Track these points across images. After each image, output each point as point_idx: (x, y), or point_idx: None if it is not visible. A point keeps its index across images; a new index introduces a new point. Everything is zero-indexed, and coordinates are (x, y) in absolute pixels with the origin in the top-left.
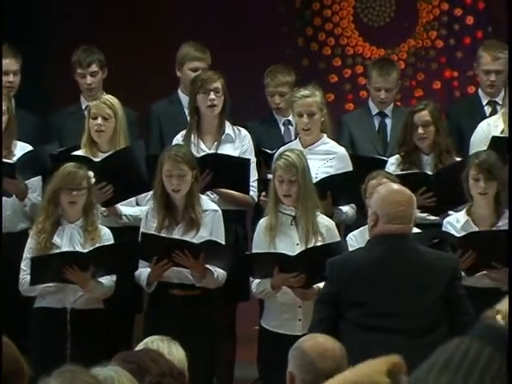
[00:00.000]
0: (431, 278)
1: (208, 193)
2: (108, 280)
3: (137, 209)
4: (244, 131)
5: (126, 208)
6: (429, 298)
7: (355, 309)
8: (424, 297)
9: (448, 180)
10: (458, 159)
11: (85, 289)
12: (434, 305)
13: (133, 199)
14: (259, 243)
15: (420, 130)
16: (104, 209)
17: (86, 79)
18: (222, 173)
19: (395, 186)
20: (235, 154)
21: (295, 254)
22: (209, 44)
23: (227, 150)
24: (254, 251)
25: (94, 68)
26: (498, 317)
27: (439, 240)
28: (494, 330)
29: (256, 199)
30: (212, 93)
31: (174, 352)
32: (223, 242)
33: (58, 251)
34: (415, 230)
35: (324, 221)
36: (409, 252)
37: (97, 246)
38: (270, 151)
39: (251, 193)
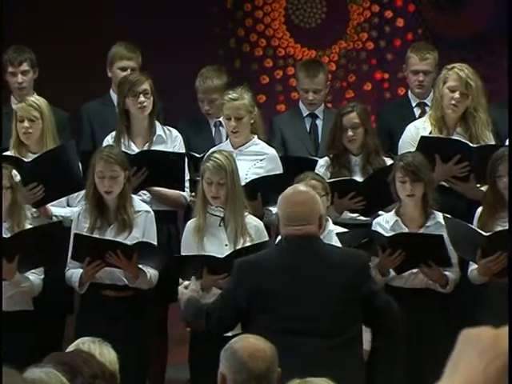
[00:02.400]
0: (338, 279)
1: (140, 192)
2: (35, 277)
3: (68, 209)
4: (175, 132)
5: (57, 209)
6: (335, 299)
7: (264, 313)
8: (330, 298)
9: (376, 184)
10: (388, 160)
11: (10, 280)
12: (342, 306)
13: (63, 200)
14: (187, 244)
15: (349, 133)
16: (35, 210)
17: (17, 78)
18: (158, 169)
19: (297, 187)
20: None
21: (224, 255)
22: (141, 44)
23: None
24: (182, 252)
25: (25, 67)
26: None
27: (368, 239)
28: None
29: (188, 199)
30: (141, 95)
31: (105, 353)
32: (155, 243)
33: None
34: (342, 229)
35: (252, 221)
36: (315, 254)
37: (18, 231)
38: (197, 155)
39: (184, 193)
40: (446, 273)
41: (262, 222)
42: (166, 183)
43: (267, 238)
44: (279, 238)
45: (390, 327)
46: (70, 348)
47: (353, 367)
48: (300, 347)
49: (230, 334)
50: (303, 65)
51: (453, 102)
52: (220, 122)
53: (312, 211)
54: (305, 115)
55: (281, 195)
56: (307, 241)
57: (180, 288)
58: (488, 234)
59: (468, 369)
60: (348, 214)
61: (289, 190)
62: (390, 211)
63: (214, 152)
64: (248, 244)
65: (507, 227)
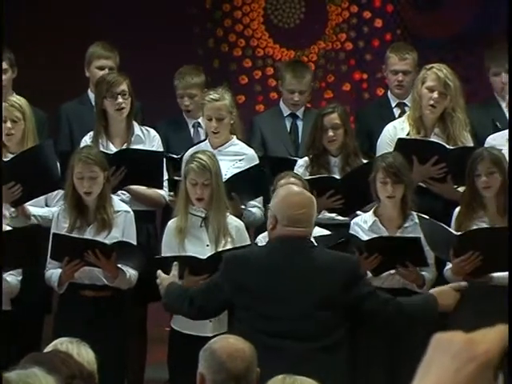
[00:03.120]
0: (327, 281)
1: (119, 193)
2: (13, 278)
3: (46, 209)
4: (153, 131)
5: (36, 208)
6: (323, 301)
7: (248, 311)
8: (318, 300)
9: (355, 182)
10: (365, 161)
11: None
12: (330, 308)
13: (42, 199)
14: (169, 245)
15: (330, 133)
16: (13, 209)
17: None
18: (136, 168)
19: (295, 189)
20: None
21: (205, 257)
22: (120, 43)
23: None
24: (163, 253)
25: (3, 65)
26: None
27: (346, 240)
28: None
29: (167, 199)
30: (119, 96)
31: (83, 353)
32: (135, 243)
33: None
34: (323, 231)
35: (233, 221)
36: (305, 256)
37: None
38: (176, 156)
39: (162, 192)
40: (423, 273)
41: (242, 223)
42: (144, 182)
43: (248, 238)
44: (258, 239)
45: (385, 327)
46: (48, 348)
47: (337, 371)
48: (284, 349)
49: (210, 334)
50: (289, 65)
51: (431, 102)
52: (199, 122)
53: (313, 213)
54: (285, 115)
55: (277, 196)
56: (300, 242)
57: (159, 279)
58: (459, 233)
59: (440, 372)
60: (326, 214)
61: (285, 190)
62: (368, 211)
63: (197, 152)
64: (229, 245)
65: (482, 226)
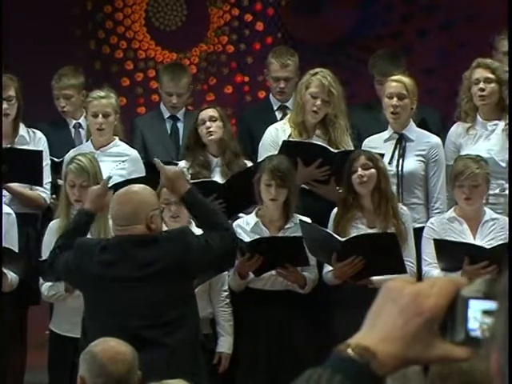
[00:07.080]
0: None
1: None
2: None
3: None
4: (39, 134)
5: None
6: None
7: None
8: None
9: (237, 186)
10: (249, 163)
11: None
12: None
13: None
14: (50, 246)
15: (207, 124)
16: None
17: None
18: (14, 167)
19: (125, 189)
20: None
21: None
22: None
23: None
24: (44, 254)
25: None
26: (349, 350)
27: None
28: (344, 361)
29: (48, 201)
30: (5, 102)
31: None
32: (16, 246)
33: None
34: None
35: None
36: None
37: None
38: (56, 159)
39: (44, 194)
40: (305, 273)
41: None
42: (23, 180)
43: None
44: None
45: None
46: None
47: None
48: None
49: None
50: (167, 68)
51: (314, 108)
52: (79, 123)
53: (136, 211)
54: (166, 117)
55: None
56: (132, 240)
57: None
58: (344, 239)
59: (388, 324)
60: None
61: (118, 192)
62: (250, 213)
63: (78, 154)
64: None
65: (364, 232)
